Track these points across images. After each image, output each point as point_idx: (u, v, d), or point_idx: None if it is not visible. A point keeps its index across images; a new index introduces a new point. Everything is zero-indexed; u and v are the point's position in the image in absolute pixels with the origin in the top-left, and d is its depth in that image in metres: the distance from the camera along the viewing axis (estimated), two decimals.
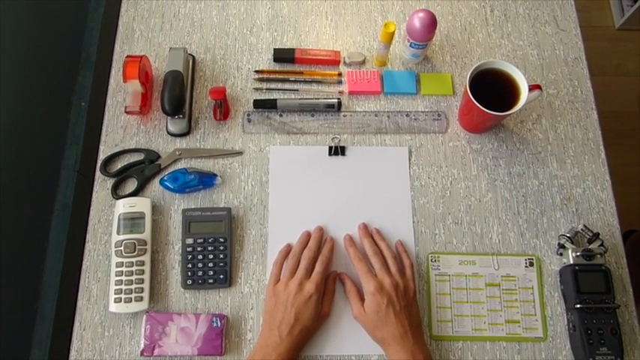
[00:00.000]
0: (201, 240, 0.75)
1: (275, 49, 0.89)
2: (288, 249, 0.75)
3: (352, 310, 0.71)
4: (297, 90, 0.87)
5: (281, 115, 0.85)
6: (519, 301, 0.75)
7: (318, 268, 0.71)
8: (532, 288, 0.76)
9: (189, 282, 0.74)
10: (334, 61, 0.88)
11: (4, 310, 0.71)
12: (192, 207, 0.79)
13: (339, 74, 0.88)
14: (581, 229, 0.76)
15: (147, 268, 0.73)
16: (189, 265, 0.75)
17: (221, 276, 0.74)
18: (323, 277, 0.71)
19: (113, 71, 0.88)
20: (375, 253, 0.73)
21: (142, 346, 0.70)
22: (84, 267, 0.76)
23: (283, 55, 0.88)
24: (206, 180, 0.79)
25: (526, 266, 0.77)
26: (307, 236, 0.76)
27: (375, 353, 0.72)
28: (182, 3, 0.93)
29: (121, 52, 0.89)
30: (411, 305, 0.69)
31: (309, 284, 0.69)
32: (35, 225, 0.81)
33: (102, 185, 0.80)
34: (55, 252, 0.81)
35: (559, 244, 0.77)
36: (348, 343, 0.72)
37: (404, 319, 0.66)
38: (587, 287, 0.72)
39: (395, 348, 0.65)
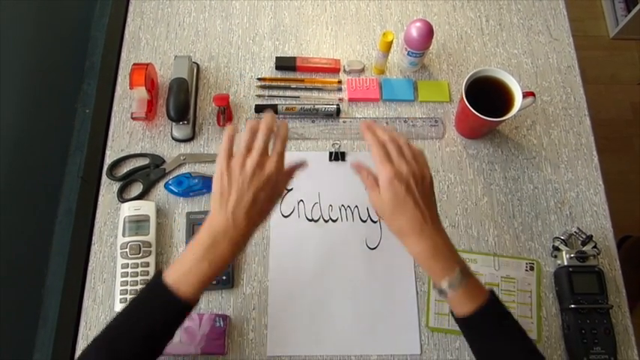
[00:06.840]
0: None
1: (277, 58, 0.91)
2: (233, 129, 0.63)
3: (370, 197, 0.63)
4: (299, 97, 0.89)
5: None
6: (517, 302, 0.77)
7: (278, 147, 0.61)
8: (530, 291, 0.77)
9: None
10: (334, 69, 0.91)
11: (6, 314, 0.72)
12: (196, 210, 0.80)
13: (339, 82, 0.90)
14: (575, 232, 0.78)
15: (151, 269, 0.75)
16: None
17: (224, 277, 0.76)
18: (283, 158, 0.62)
19: (119, 78, 0.90)
20: (391, 139, 0.64)
21: None
22: (90, 268, 0.78)
23: (285, 64, 0.91)
24: (210, 184, 0.81)
25: (526, 270, 0.79)
26: (258, 121, 0.63)
27: (375, 353, 0.74)
28: (187, 13, 0.96)
29: (127, 60, 0.91)
30: (428, 193, 0.62)
31: (270, 164, 0.59)
32: (39, 230, 0.82)
33: (108, 189, 0.82)
34: (57, 257, 0.82)
35: (553, 246, 0.78)
36: (348, 343, 0.74)
37: (423, 208, 0.60)
38: (581, 288, 0.74)
39: (412, 238, 0.60)
